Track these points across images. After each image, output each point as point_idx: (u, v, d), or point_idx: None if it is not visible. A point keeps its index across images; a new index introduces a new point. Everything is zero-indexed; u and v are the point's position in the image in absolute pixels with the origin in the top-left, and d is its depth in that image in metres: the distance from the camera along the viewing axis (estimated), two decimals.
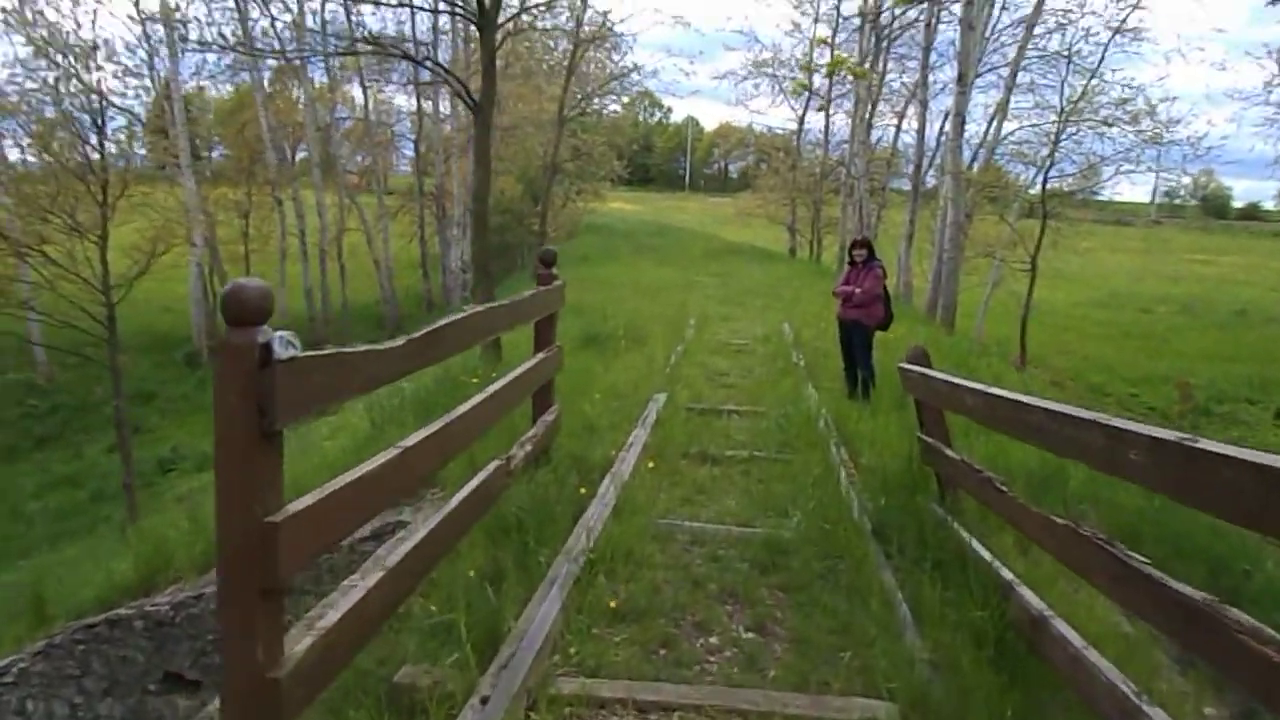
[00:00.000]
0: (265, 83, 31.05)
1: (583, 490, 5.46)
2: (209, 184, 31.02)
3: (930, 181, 26.87)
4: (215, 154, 38.42)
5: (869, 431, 7.31)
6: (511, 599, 3.89)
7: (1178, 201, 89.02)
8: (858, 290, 9.21)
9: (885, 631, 3.84)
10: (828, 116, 37.08)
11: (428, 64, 10.56)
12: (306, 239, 30.50)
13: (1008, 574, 4.07)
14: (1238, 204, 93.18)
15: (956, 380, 4.57)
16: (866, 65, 28.99)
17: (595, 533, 4.65)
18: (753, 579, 4.47)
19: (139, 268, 17.48)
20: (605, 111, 45.97)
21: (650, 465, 6.04)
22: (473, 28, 9.62)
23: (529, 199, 37.09)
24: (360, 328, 33.56)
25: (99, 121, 17.22)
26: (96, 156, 16.86)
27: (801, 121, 39.27)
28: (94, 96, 21.93)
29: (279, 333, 2.39)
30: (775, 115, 77.79)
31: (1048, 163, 19.88)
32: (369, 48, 10.44)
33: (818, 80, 36.82)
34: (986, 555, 4.42)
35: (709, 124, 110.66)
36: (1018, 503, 3.96)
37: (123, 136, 27.82)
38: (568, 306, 16.54)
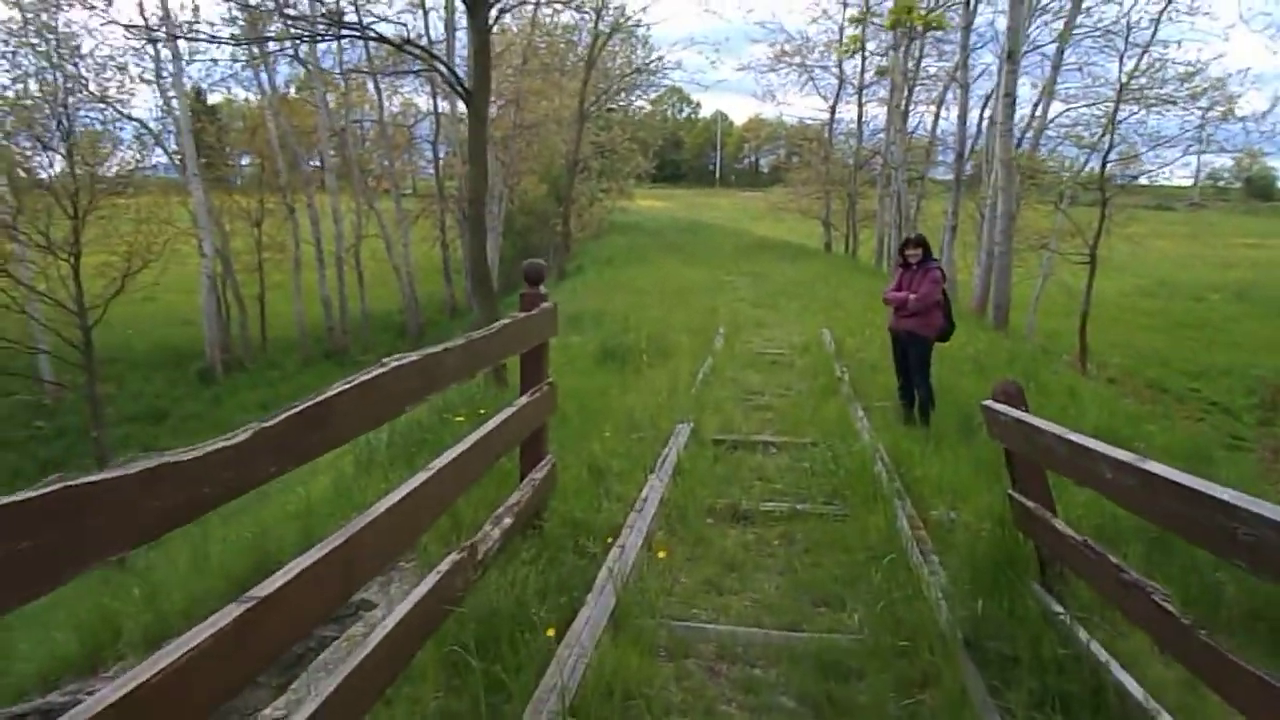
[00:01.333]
0: (273, 85, 30.03)
1: (575, 583, 4.20)
2: (220, 192, 30.11)
3: (970, 169, 25.35)
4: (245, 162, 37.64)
5: (937, 475, 6.00)
6: None
7: (1221, 184, 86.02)
8: (912, 297, 7.88)
9: None
10: (861, 105, 35.57)
11: (409, 48, 9.38)
12: (323, 246, 29.51)
13: None
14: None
15: (1085, 442, 3.25)
16: (900, 52, 27.49)
17: (584, 659, 3.39)
18: None
19: (114, 287, 16.34)
20: (631, 108, 44.90)
21: (662, 554, 4.71)
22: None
23: (553, 199, 35.93)
24: (383, 336, 32.58)
25: (64, 125, 16.18)
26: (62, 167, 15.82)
27: (833, 111, 37.74)
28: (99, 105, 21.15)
29: None
30: (805, 106, 75.90)
31: (1106, 145, 18.27)
32: (334, 31, 9.20)
33: (848, 67, 35.33)
34: (1137, 692, 3.11)
35: (738, 118, 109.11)
36: (1198, 638, 2.65)
37: (134, 147, 27.23)
38: (587, 316, 15.35)
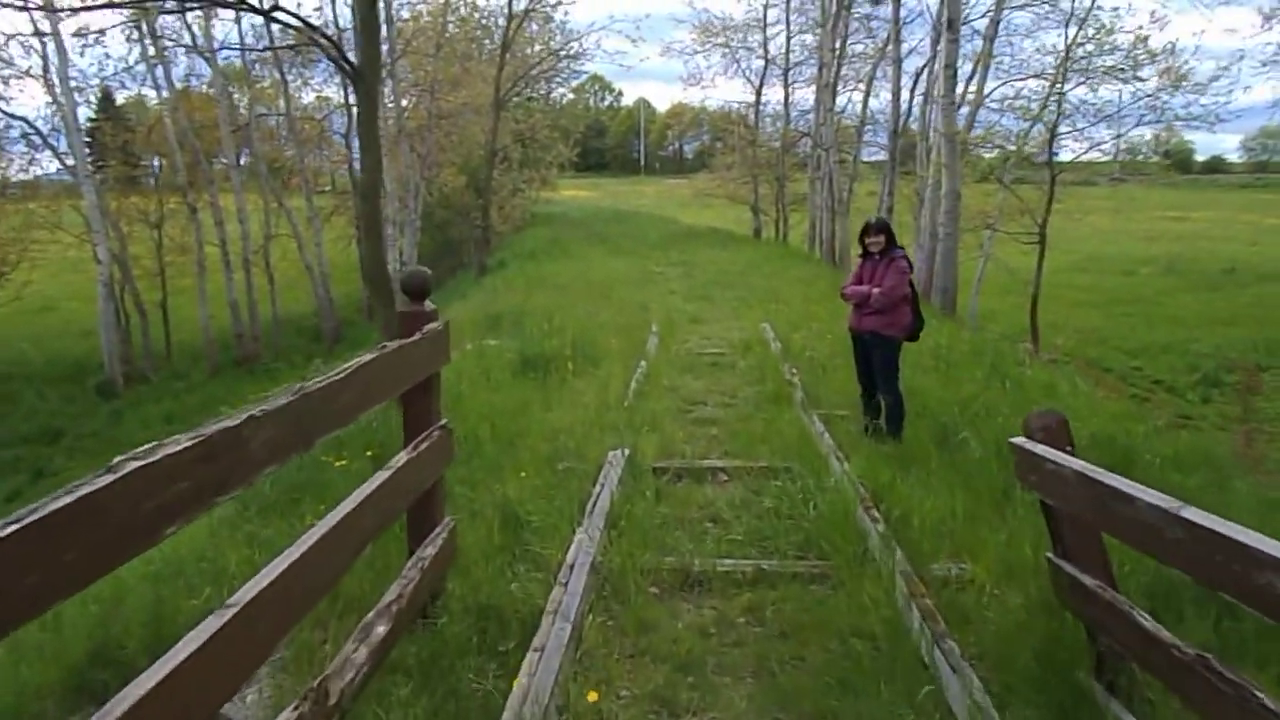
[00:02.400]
0: (169, 79, 27.96)
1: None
2: (116, 194, 27.98)
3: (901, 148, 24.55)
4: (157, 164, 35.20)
5: (927, 511, 4.93)
6: None
7: (1139, 158, 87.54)
8: (876, 291, 6.81)
9: None
10: (787, 86, 34.74)
11: (279, 14, 7.94)
12: (229, 248, 27.60)
13: None
14: (1200, 157, 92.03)
15: (1214, 525, 2.17)
16: (828, 28, 26.61)
17: None
18: None
19: None
20: (551, 95, 43.50)
21: (593, 698, 3.45)
22: None
23: (474, 191, 34.38)
24: (297, 341, 30.81)
25: None
26: None
27: (759, 94, 36.80)
28: None
29: None
30: (731, 90, 75.20)
31: (1053, 118, 17.50)
32: None
33: (774, 47, 34.54)
34: None
35: (662, 106, 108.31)
36: None
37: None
38: (507, 317, 14.05)
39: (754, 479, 6.05)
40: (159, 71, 27.51)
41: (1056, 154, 18.32)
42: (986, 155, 23.20)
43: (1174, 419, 19.78)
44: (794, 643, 3.74)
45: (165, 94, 28.13)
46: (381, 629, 3.20)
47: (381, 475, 3.38)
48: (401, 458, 3.58)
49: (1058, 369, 11.67)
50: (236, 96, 32.51)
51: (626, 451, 6.32)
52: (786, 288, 17.39)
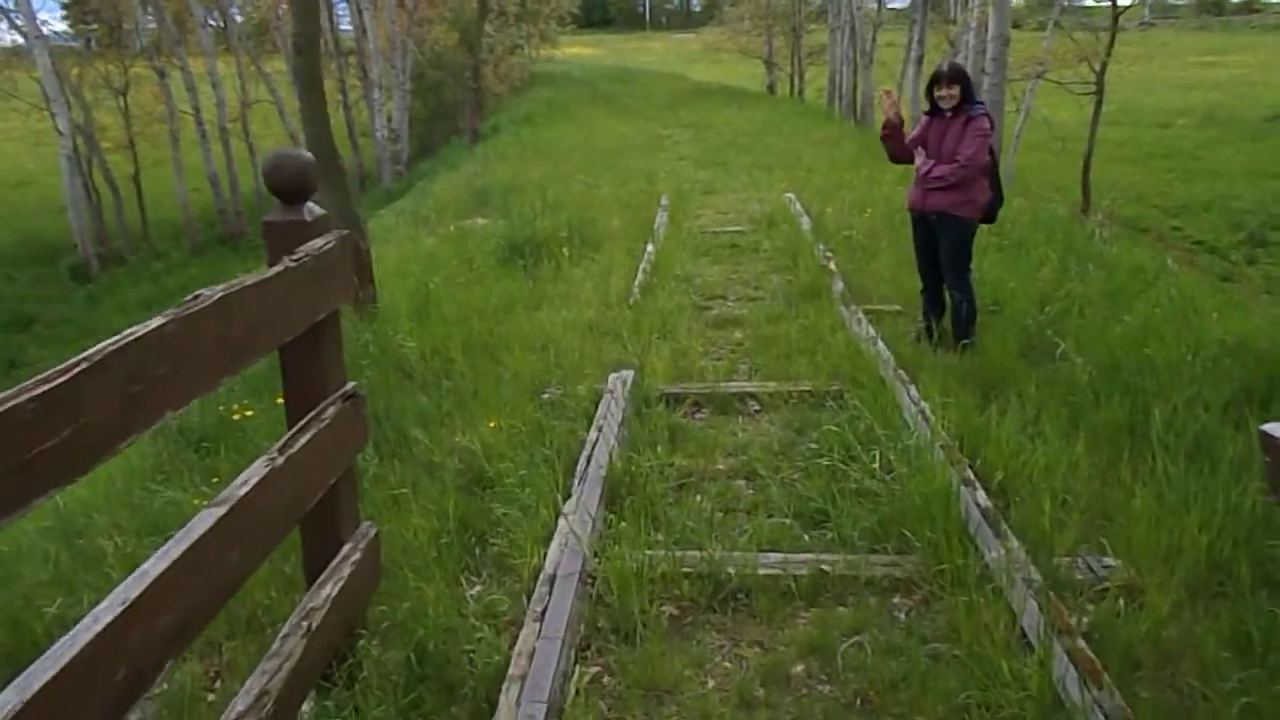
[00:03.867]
0: None
1: None
2: (74, 59, 25.87)
3: None
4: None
5: (1038, 465, 3.61)
6: None
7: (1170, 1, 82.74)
8: (957, 162, 5.28)
9: None
10: None
11: None
12: (203, 116, 25.62)
13: None
14: None
15: None
16: None
17: None
18: None
19: None
20: None
21: None
22: None
23: (466, 50, 31.96)
24: None
25: None
26: None
27: None
28: None
29: None
30: None
31: None
32: None
33: None
34: None
35: None
36: None
37: None
38: (495, 192, 12.40)
39: (795, 409, 4.71)
40: None
41: None
42: None
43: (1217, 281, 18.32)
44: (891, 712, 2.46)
45: None
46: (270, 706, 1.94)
47: (254, 474, 2.06)
48: (283, 447, 2.23)
49: (1134, 241, 10.16)
50: None
51: (630, 376, 4.95)
52: (809, 151, 15.65)
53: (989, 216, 5.57)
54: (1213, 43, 64.86)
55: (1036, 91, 20.69)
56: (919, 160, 5.51)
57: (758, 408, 4.86)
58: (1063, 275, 6.68)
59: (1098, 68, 15.11)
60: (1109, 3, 15.47)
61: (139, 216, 27.03)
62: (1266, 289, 18.74)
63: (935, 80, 5.42)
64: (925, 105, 5.59)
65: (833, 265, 7.50)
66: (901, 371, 4.88)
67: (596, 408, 4.59)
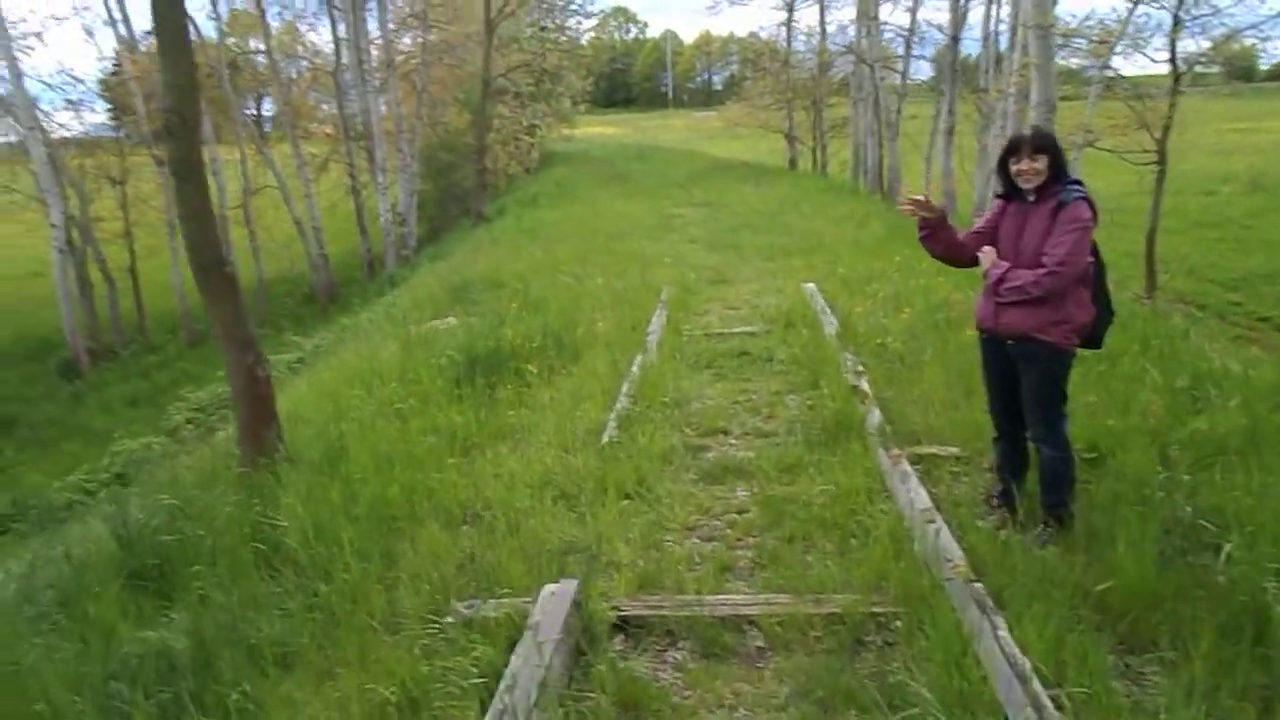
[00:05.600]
0: (124, 15, 24.89)
1: None
2: (78, 150, 25.19)
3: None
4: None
5: None
6: None
7: (1198, 69, 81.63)
8: (1044, 267, 3.66)
9: None
10: (822, 3, 30.72)
11: None
12: None
13: None
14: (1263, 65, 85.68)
15: None
16: None
17: None
18: None
19: None
20: (567, 26, 39.73)
21: None
22: None
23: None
24: (287, 303, 28.02)
25: None
26: None
27: (790, 10, 32.84)
28: None
29: None
30: (760, 13, 70.40)
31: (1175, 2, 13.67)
32: None
33: None
34: None
35: (688, 37, 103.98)
36: None
37: None
38: (477, 286, 10.83)
39: (817, 653, 3.05)
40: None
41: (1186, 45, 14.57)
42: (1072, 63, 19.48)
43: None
44: None
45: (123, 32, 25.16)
46: None
47: None
48: None
49: (1239, 344, 8.45)
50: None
51: (572, 592, 3.31)
52: (832, 230, 14.16)
53: (1092, 340, 3.93)
54: (1245, 109, 63.29)
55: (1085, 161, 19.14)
56: (986, 263, 3.91)
57: (761, 643, 3.20)
58: (1173, 400, 5.01)
59: (1158, 134, 13.43)
60: (1166, 67, 13.83)
61: (134, 308, 25.99)
62: None
63: (1013, 149, 3.83)
64: (997, 186, 3.99)
65: (865, 384, 5.87)
66: (980, 588, 3.20)
67: (509, 658, 2.96)
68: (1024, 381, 3.89)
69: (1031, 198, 3.82)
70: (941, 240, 4.05)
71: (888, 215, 15.99)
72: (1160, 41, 14.85)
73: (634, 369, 6.61)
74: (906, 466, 4.49)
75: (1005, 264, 3.84)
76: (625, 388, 6.17)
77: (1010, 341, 3.86)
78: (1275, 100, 72.76)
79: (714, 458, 5.10)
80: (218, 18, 26.89)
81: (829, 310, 8.10)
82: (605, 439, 5.25)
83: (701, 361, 7.13)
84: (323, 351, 13.22)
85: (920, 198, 4.01)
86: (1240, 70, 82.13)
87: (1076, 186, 3.83)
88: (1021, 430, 4.04)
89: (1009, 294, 3.78)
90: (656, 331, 7.80)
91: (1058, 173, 3.79)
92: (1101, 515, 3.82)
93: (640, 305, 8.92)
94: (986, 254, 3.90)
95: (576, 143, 51.06)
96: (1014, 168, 3.81)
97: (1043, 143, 3.79)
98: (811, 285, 9.38)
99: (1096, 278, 3.87)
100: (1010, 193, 3.90)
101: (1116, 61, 17.61)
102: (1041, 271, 3.65)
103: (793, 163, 33.05)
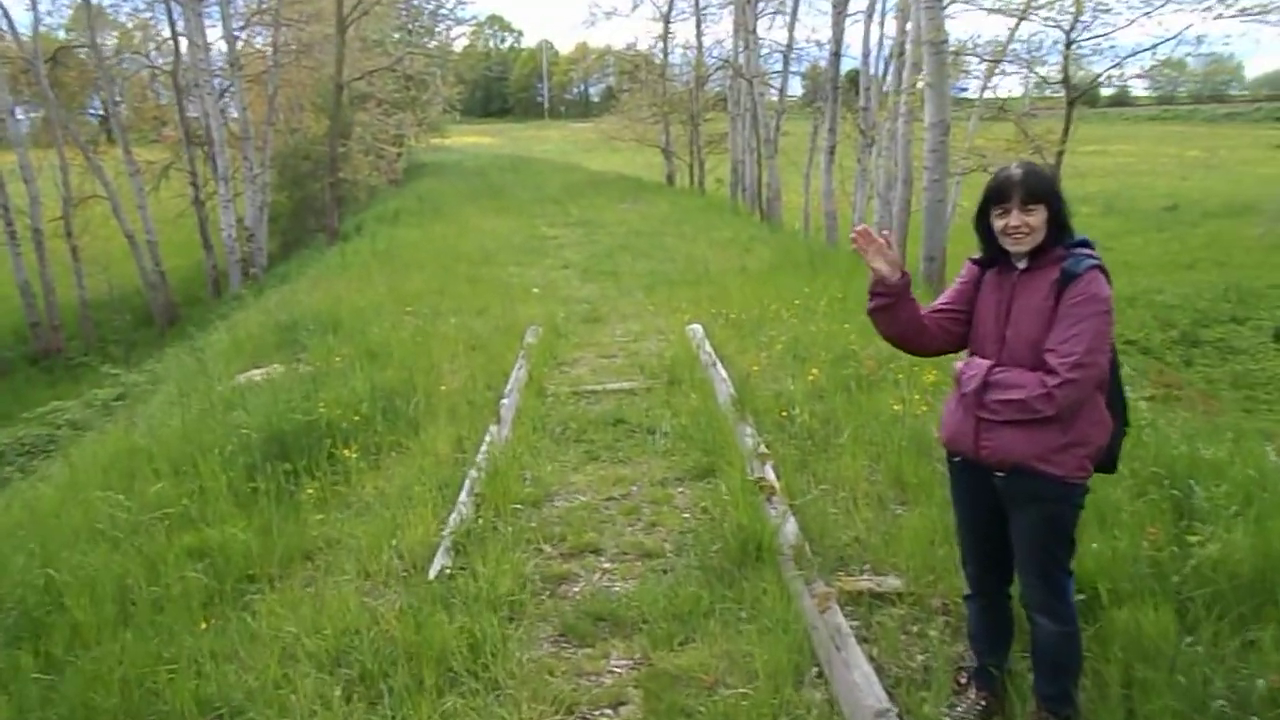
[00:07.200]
0: None
1: None
2: None
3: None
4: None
5: None
6: None
7: (1048, 93, 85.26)
8: (1058, 375, 2.50)
9: None
10: (699, 12, 29.92)
11: None
12: (11, 216, 21.87)
13: None
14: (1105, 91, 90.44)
15: None
16: None
17: None
18: None
19: None
20: (436, 31, 37.93)
21: None
22: None
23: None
24: (120, 326, 25.27)
25: None
26: None
27: (667, 22, 31.93)
28: None
29: None
30: (636, 27, 69.88)
31: (1070, 21, 13.14)
32: None
33: None
34: None
35: (565, 47, 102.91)
36: None
37: None
38: (306, 327, 8.55)
39: None
40: None
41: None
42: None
43: (1160, 390, 16.24)
44: None
45: None
46: None
47: None
48: None
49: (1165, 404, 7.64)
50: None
51: None
52: (716, 256, 13.08)
53: (1107, 463, 2.79)
54: (1092, 132, 66.24)
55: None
56: (961, 365, 2.74)
57: None
58: (1157, 513, 3.96)
59: (1052, 159, 12.88)
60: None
61: None
62: (1209, 393, 16.87)
63: (998, 196, 2.64)
64: (979, 248, 2.81)
65: (772, 475, 4.66)
66: None
67: None
68: (1017, 527, 2.71)
69: (1022, 264, 2.66)
70: (900, 319, 2.82)
71: (772, 240, 15.05)
72: (1055, 59, 14.31)
73: (483, 448, 5.24)
74: (840, 619, 3.28)
75: (985, 363, 2.67)
76: (468, 482, 4.79)
77: (999, 475, 2.68)
78: (1116, 125, 76.70)
79: (580, 597, 3.78)
80: (33, 7, 24.12)
81: (719, 363, 6.89)
82: (434, 571, 3.88)
83: (569, 433, 5.80)
84: (141, 392, 11.21)
85: (881, 238, 2.79)
86: (1084, 95, 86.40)
87: (1086, 250, 2.69)
88: (1006, 589, 2.88)
89: (1001, 410, 2.60)
90: (514, 393, 6.43)
91: (1059, 230, 2.64)
92: (1116, 708, 2.70)
93: (500, 355, 7.54)
94: (974, 367, 2.71)
95: (449, 152, 49.05)
96: (998, 223, 2.63)
97: (1038, 188, 2.61)
98: (698, 327, 8.19)
99: (1112, 380, 2.74)
100: (992, 257, 2.73)
101: (1007, 83, 17.25)
102: (1054, 381, 2.48)
103: (670, 178, 32.17)
